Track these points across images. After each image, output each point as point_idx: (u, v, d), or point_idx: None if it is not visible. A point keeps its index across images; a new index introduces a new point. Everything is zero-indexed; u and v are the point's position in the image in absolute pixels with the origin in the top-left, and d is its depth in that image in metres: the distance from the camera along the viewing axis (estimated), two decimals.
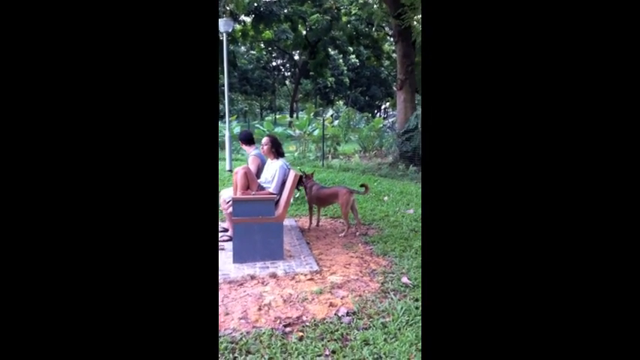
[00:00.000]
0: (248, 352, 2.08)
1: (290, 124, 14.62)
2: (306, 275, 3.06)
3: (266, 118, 18.95)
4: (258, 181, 3.79)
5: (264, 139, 3.87)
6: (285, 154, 11.56)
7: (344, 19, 21.08)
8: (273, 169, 3.68)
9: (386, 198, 6.00)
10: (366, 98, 33.53)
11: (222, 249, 3.63)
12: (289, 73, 34.45)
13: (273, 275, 3.04)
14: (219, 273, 3.03)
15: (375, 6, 13.62)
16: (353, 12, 16.55)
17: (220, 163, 8.71)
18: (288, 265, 3.21)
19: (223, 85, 9.40)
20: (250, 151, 4.22)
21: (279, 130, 13.29)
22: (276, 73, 34.31)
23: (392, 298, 2.69)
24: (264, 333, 2.25)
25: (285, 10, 21.36)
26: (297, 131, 12.26)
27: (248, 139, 4.27)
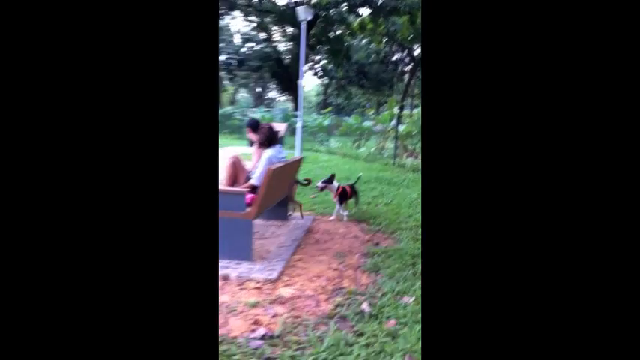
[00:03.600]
0: None
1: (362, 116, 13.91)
2: (257, 283, 2.72)
3: (367, 113, 18.48)
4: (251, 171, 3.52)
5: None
6: (361, 149, 11.12)
7: None
8: (262, 160, 3.37)
9: None
10: None
11: None
12: (408, 68, 33.23)
13: (224, 278, 2.76)
14: None
15: None
16: None
17: (290, 151, 8.68)
18: (249, 268, 2.89)
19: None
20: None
21: (367, 124, 12.76)
22: (394, 67, 33.37)
23: (330, 327, 2.23)
24: None
25: (403, 2, 20.51)
26: (379, 126, 11.56)
27: (254, 126, 4.03)
